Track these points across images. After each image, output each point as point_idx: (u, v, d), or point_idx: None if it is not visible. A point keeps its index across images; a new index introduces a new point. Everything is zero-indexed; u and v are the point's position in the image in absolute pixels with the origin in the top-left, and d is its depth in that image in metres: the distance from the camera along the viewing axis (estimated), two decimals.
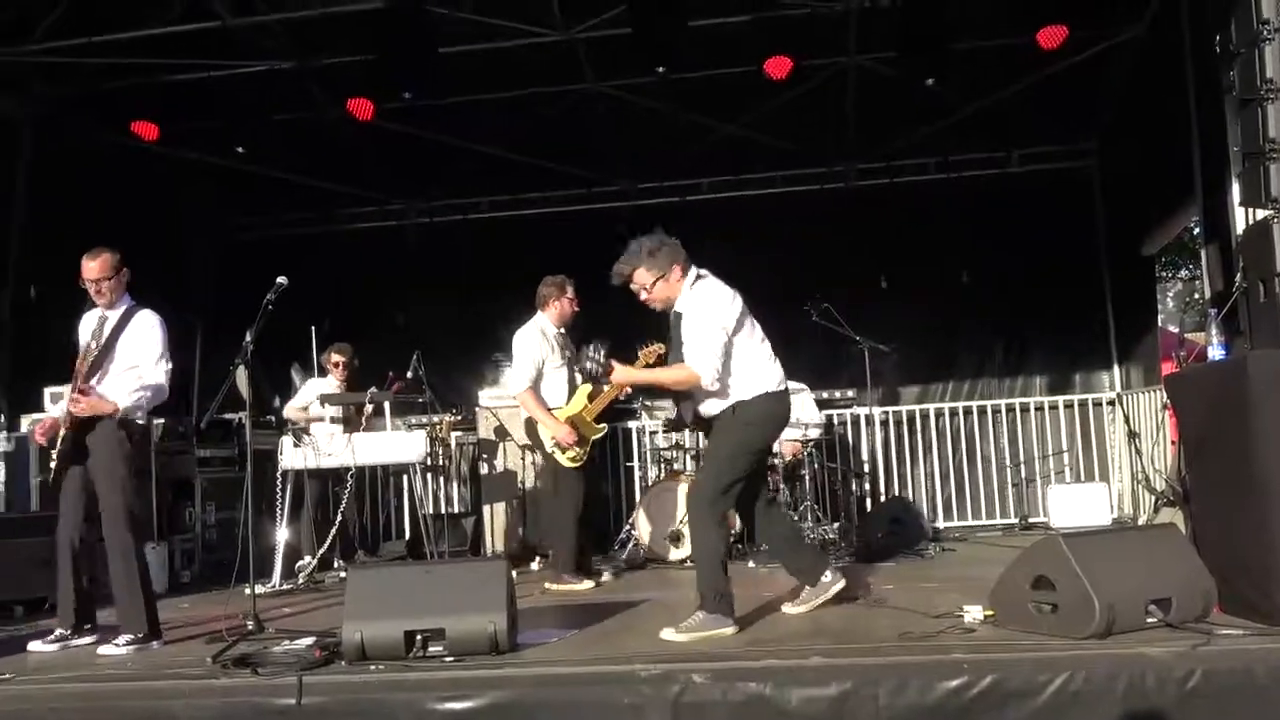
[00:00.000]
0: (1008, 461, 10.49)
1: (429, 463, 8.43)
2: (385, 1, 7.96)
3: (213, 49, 8.60)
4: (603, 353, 5.18)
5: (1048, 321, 10.76)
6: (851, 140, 10.62)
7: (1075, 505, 9.29)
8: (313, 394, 8.44)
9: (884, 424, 10.53)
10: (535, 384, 7.20)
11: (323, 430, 8.26)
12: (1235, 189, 6.43)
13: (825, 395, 9.58)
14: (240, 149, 10.17)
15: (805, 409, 8.58)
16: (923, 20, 8.10)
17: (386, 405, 8.21)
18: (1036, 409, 10.60)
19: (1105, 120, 10.29)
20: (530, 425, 7.40)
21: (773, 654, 4.35)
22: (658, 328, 7.39)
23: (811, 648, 4.43)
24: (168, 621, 6.17)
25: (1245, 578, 4.49)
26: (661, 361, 6.71)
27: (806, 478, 8.58)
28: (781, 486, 8.47)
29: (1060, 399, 10.59)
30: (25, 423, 8.10)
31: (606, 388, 7.33)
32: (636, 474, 10.11)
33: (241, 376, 6.04)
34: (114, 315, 5.66)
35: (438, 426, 9.05)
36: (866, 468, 10.16)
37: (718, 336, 5.06)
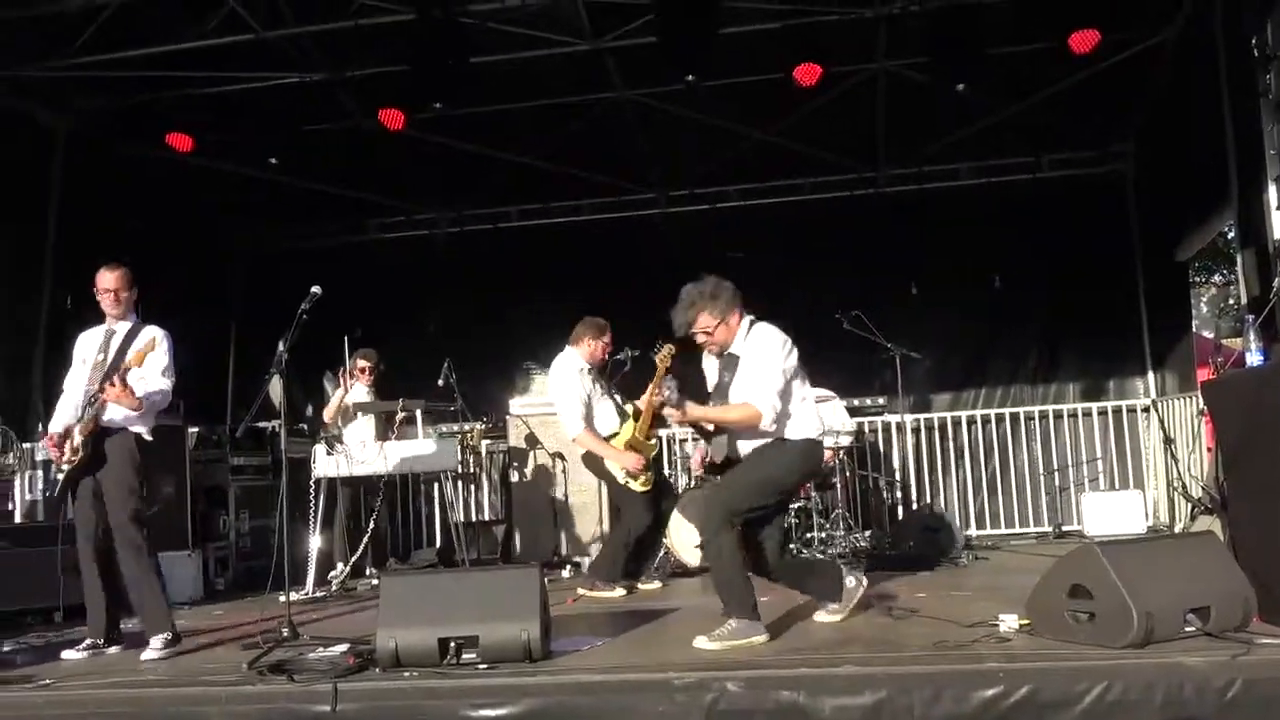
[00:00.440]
0: (1041, 469, 10.39)
1: (460, 470, 8.46)
2: (416, 13, 8.01)
3: (246, 61, 8.69)
4: (674, 388, 5.17)
5: (1081, 327, 10.68)
6: (882, 146, 10.59)
7: (1110, 513, 9.20)
8: (347, 397, 8.47)
9: (915, 431, 10.46)
10: (589, 422, 7.19)
11: (355, 438, 8.30)
12: (1272, 193, 6.39)
13: (856, 403, 9.54)
14: (273, 160, 10.27)
15: (836, 416, 8.55)
16: (953, 25, 8.07)
17: (419, 413, 8.25)
18: (1070, 416, 10.50)
19: (1138, 124, 10.22)
20: (593, 460, 7.33)
21: (806, 662, 4.34)
22: (679, 339, 7.45)
23: (845, 656, 4.42)
24: (202, 628, 6.26)
25: None
26: (675, 360, 6.89)
27: (838, 486, 8.54)
28: (813, 494, 8.43)
29: (1094, 405, 10.49)
30: None
31: (641, 403, 7.35)
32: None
33: (276, 385, 6.09)
34: (121, 329, 5.78)
35: (469, 434, 9.08)
36: (898, 475, 10.11)
37: (778, 379, 5.08)
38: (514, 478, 9.59)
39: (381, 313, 10.74)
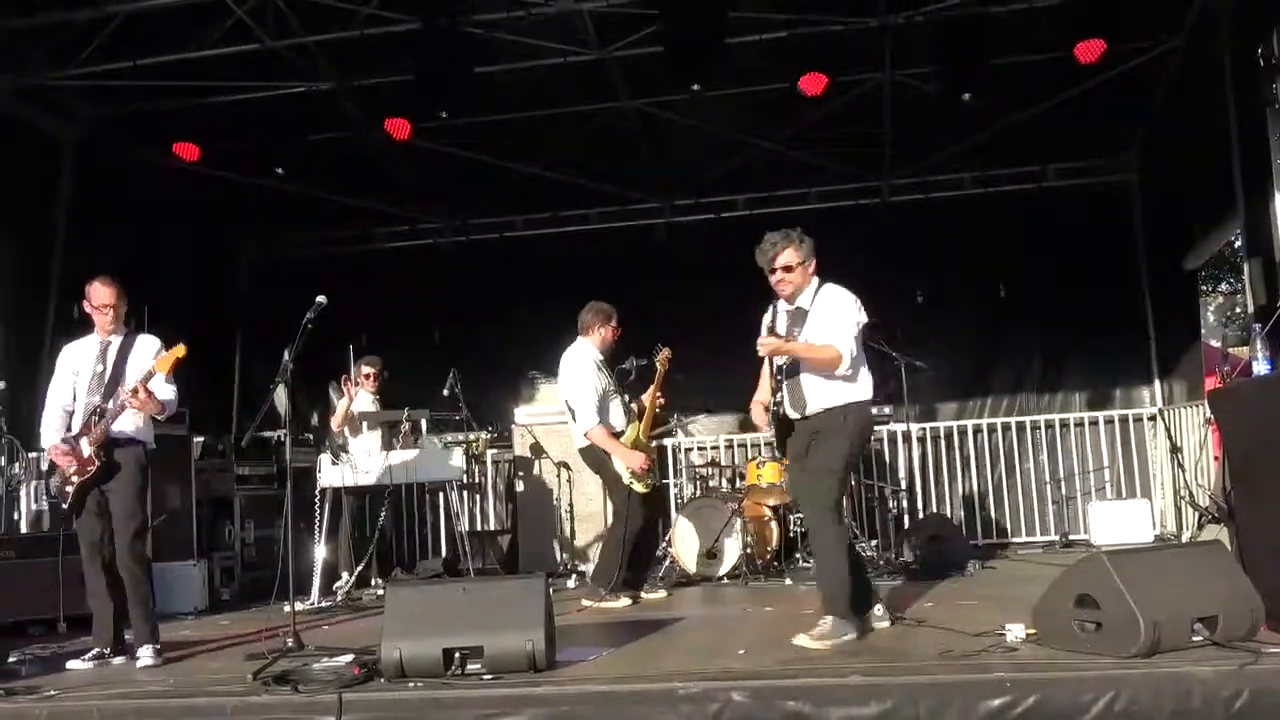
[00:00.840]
0: (1048, 478, 10.37)
1: (465, 480, 8.46)
2: (422, 22, 8.03)
3: (253, 71, 8.72)
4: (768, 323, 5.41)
5: (1087, 337, 10.65)
6: (887, 156, 10.59)
7: (1117, 522, 9.17)
8: (353, 405, 8.48)
9: (921, 440, 10.45)
10: (603, 416, 7.15)
11: (360, 448, 8.30)
12: (1278, 202, 6.37)
13: None
14: (279, 169, 10.29)
15: None
16: (958, 35, 8.07)
17: (424, 423, 8.25)
18: (1076, 425, 10.47)
19: (1143, 134, 10.21)
20: (594, 455, 7.23)
21: (812, 671, 4.33)
22: (683, 347, 7.47)
23: (851, 666, 4.40)
24: (207, 639, 6.27)
25: None
26: (671, 364, 7.24)
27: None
28: None
29: (1101, 414, 10.47)
30: None
31: (645, 400, 7.35)
32: (672, 491, 10.09)
33: (281, 395, 6.10)
34: (117, 341, 5.85)
35: (474, 444, 9.08)
36: (904, 484, 10.09)
37: (854, 329, 5.28)
38: (519, 487, 9.60)
39: (387, 322, 10.73)
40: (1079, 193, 10.73)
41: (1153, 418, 10.28)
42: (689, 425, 10.16)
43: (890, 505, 9.79)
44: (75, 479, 5.61)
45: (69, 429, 5.77)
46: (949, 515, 10.05)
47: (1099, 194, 10.71)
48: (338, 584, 8.19)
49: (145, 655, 5.55)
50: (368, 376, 8.65)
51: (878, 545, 8.76)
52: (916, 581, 7.36)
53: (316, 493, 8.14)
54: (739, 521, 8.10)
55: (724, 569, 8.14)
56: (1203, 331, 10.79)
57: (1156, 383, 10.49)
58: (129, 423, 5.71)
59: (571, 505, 9.00)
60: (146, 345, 5.83)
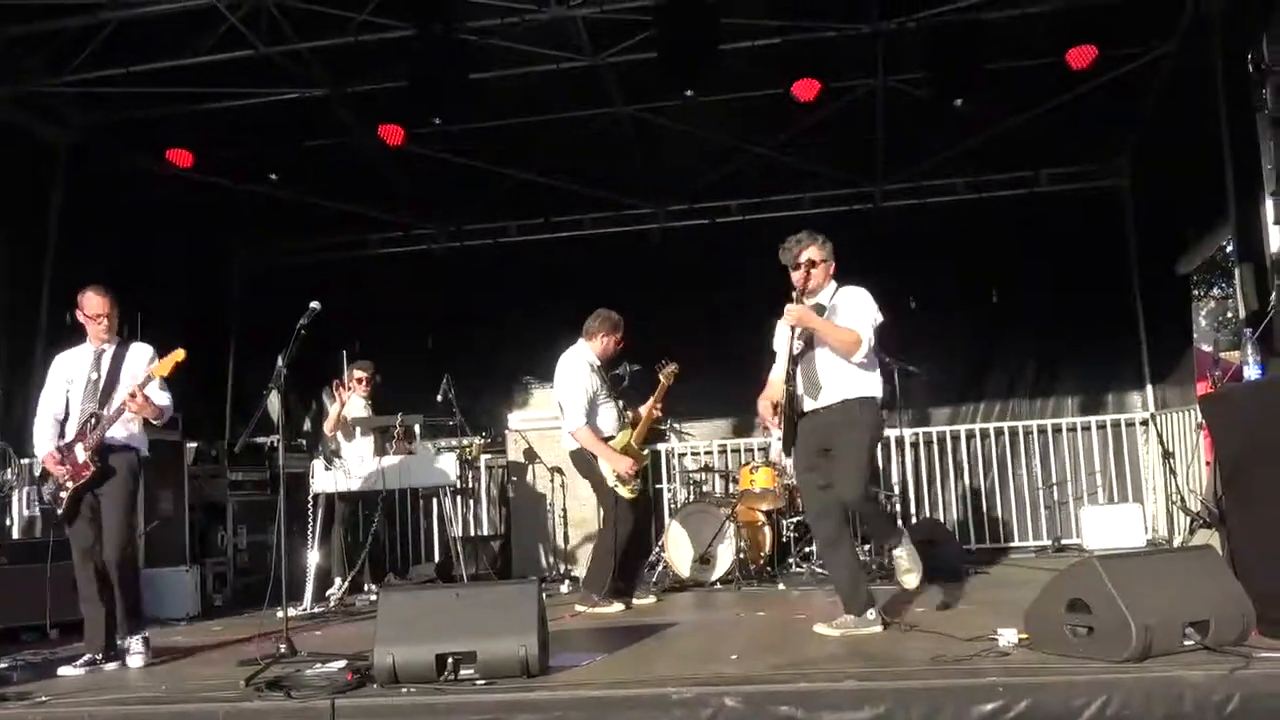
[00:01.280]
0: (1040, 483, 10.39)
1: (459, 485, 8.46)
2: (416, 28, 8.03)
3: (246, 77, 8.72)
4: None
5: (1079, 342, 10.68)
6: (880, 161, 10.62)
7: (1109, 527, 9.20)
8: (346, 410, 8.47)
9: (914, 446, 10.47)
10: (591, 418, 7.17)
11: (354, 453, 8.30)
12: (1269, 207, 6.40)
13: None
14: (273, 175, 10.29)
15: None
16: (951, 41, 8.09)
17: (417, 428, 8.25)
18: (1069, 430, 10.50)
19: (1135, 139, 10.24)
20: (582, 459, 7.24)
21: (805, 676, 4.32)
22: (677, 353, 7.48)
23: (844, 671, 4.40)
24: (200, 645, 6.26)
25: None
26: (679, 378, 7.32)
27: None
28: None
29: (1093, 419, 10.49)
30: None
31: (642, 410, 7.37)
32: (665, 496, 10.09)
33: (274, 400, 6.11)
34: (110, 349, 5.91)
35: (468, 449, 9.07)
36: (897, 490, 10.10)
37: (873, 321, 5.45)
38: (513, 492, 9.60)
39: (381, 328, 10.74)
40: (1071, 198, 10.76)
41: (1145, 423, 10.30)
42: (682, 430, 10.17)
43: (874, 494, 9.78)
44: (70, 485, 5.65)
45: (61, 436, 5.81)
46: (942, 520, 10.06)
47: (1091, 199, 10.74)
48: (331, 590, 8.19)
49: (134, 647, 5.65)
50: (360, 381, 8.64)
51: (871, 550, 8.75)
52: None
53: (309, 498, 8.14)
54: (732, 526, 8.11)
55: (717, 574, 8.15)
56: (1194, 336, 10.81)
57: (1149, 388, 10.51)
58: (123, 429, 5.77)
59: (565, 510, 9.00)
60: (140, 353, 5.90)
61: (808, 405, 5.46)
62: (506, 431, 9.65)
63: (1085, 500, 10.11)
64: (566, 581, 8.60)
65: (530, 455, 9.39)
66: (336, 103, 9.29)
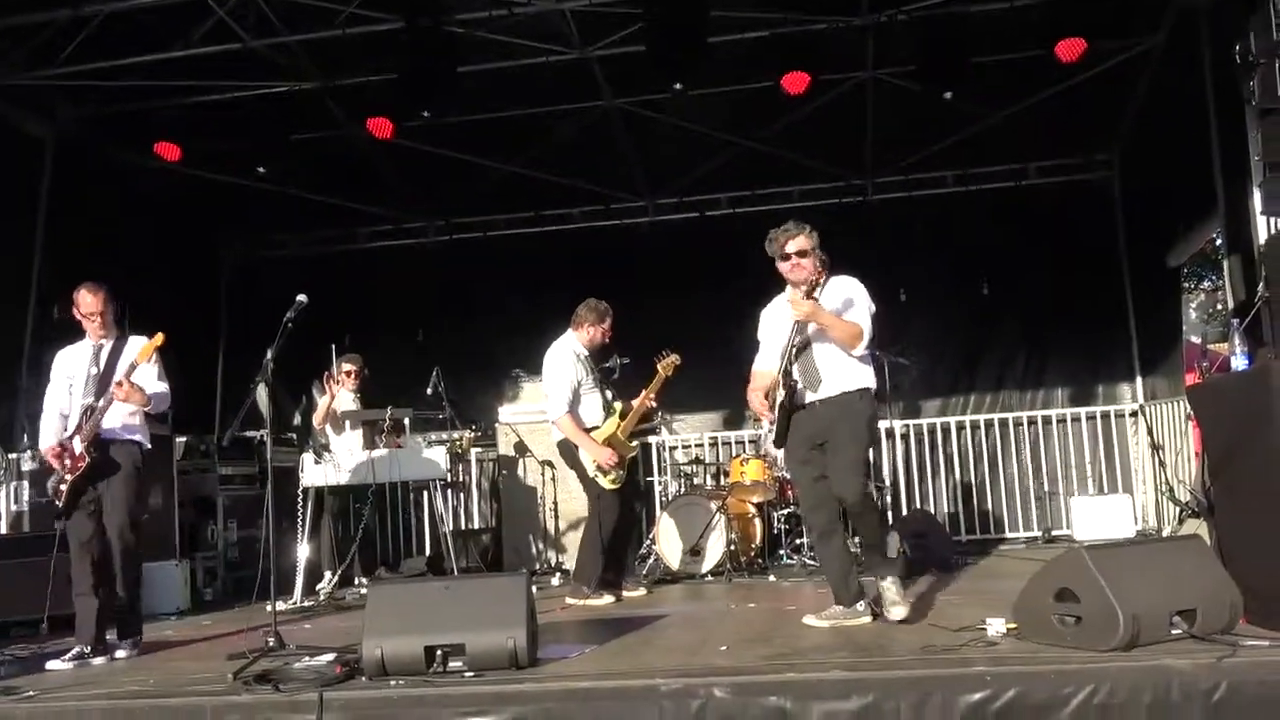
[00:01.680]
0: (1030, 474, 10.42)
1: (449, 479, 8.46)
2: (405, 22, 8.01)
3: (234, 70, 8.69)
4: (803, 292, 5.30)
5: (1069, 333, 10.70)
6: (870, 154, 10.62)
7: (1099, 517, 9.23)
8: (335, 403, 8.45)
9: (905, 437, 10.48)
10: (573, 408, 7.18)
11: (344, 447, 8.29)
12: (1257, 198, 6.41)
13: None
14: (261, 169, 10.25)
15: None
16: (940, 34, 8.10)
17: (407, 421, 8.24)
18: (1059, 421, 10.52)
19: (1125, 131, 10.25)
20: (567, 448, 7.30)
21: (793, 667, 4.33)
22: (667, 346, 7.48)
23: (832, 661, 4.41)
24: (189, 639, 6.25)
25: (1272, 588, 4.45)
26: (679, 371, 7.38)
27: None
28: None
29: (1083, 411, 10.51)
30: None
31: (634, 403, 7.37)
32: (657, 488, 10.09)
33: (262, 394, 6.10)
34: (109, 344, 5.96)
35: (458, 443, 9.07)
36: (887, 481, 10.10)
37: (870, 311, 5.45)
38: (503, 486, 9.59)
39: (370, 321, 10.73)
40: (1061, 191, 10.76)
41: (1134, 414, 10.33)
42: (673, 422, 10.17)
43: (871, 492, 9.79)
44: (68, 478, 5.72)
45: (65, 430, 5.87)
46: (932, 512, 10.08)
47: (1081, 192, 10.74)
48: (320, 583, 8.18)
49: (124, 649, 5.75)
50: (348, 374, 8.62)
51: (860, 542, 8.75)
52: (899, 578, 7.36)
53: (299, 492, 8.13)
54: (723, 519, 8.11)
55: (707, 566, 8.15)
56: (1184, 328, 10.83)
57: (1138, 379, 10.53)
58: (122, 421, 5.85)
59: (556, 504, 9.00)
60: (137, 346, 5.93)
61: (807, 398, 5.43)
62: (497, 425, 9.64)
63: (1075, 491, 10.13)
64: (557, 574, 8.61)
65: (521, 448, 9.38)
66: (325, 96, 9.28)
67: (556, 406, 7.18)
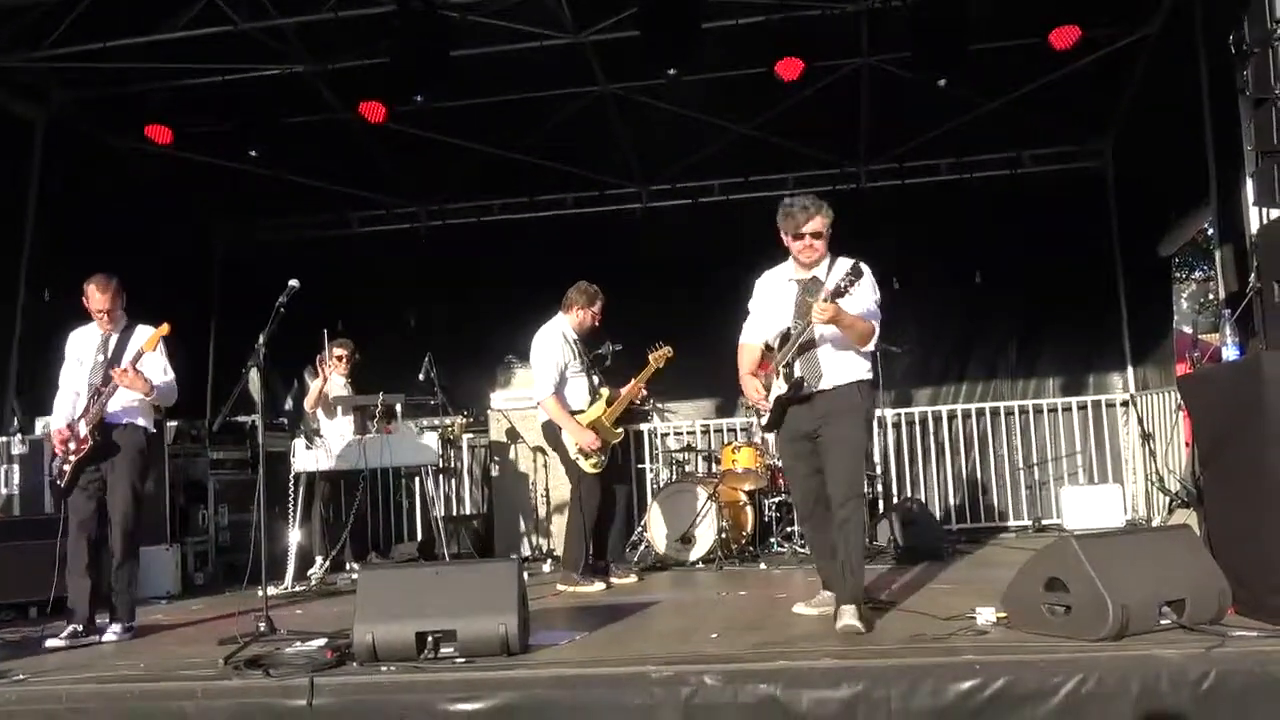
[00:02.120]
0: (1021, 463, 10.44)
1: (441, 464, 8.45)
2: (397, 5, 7.97)
3: (226, 53, 8.63)
4: (844, 279, 4.98)
5: (1061, 323, 10.71)
6: (864, 141, 10.60)
7: (1089, 507, 9.27)
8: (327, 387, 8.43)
9: (896, 426, 10.49)
10: (559, 389, 7.19)
11: (335, 432, 8.27)
12: (1249, 188, 6.41)
13: None
14: (253, 152, 10.18)
15: None
16: (935, 20, 8.07)
17: (399, 407, 8.23)
18: (1050, 410, 10.54)
19: (1118, 120, 10.24)
20: (551, 431, 7.31)
21: (783, 655, 4.34)
22: (659, 333, 7.48)
23: (822, 649, 4.42)
24: (180, 623, 6.26)
25: (1260, 579, 4.47)
26: (670, 363, 7.42)
27: None
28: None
29: (1074, 400, 10.52)
30: (39, 426, 8.11)
31: (623, 391, 7.38)
32: (648, 476, 10.09)
33: (254, 379, 6.10)
34: (118, 333, 6.07)
35: (450, 428, 9.06)
36: (879, 469, 10.12)
37: (878, 308, 5.30)
38: (495, 472, 9.59)
39: (362, 306, 10.70)
40: (1054, 179, 10.75)
41: (1125, 404, 10.35)
42: (664, 410, 10.17)
43: (865, 490, 9.82)
44: (72, 459, 5.85)
45: (84, 411, 5.96)
46: (923, 500, 10.09)
47: (1074, 180, 10.73)
48: (312, 569, 8.18)
49: (113, 629, 5.82)
50: (340, 359, 8.62)
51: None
52: (890, 566, 7.39)
53: (290, 477, 8.12)
54: (714, 506, 8.12)
55: (698, 553, 8.17)
56: (1175, 318, 10.85)
57: (1129, 369, 10.55)
58: (125, 405, 5.94)
59: (547, 490, 9.01)
60: (144, 335, 6.03)
61: (810, 388, 5.25)
62: (489, 411, 9.64)
63: (1066, 480, 10.16)
64: (549, 561, 8.61)
65: (512, 435, 9.38)
66: (317, 79, 9.22)
67: (542, 388, 7.20)
